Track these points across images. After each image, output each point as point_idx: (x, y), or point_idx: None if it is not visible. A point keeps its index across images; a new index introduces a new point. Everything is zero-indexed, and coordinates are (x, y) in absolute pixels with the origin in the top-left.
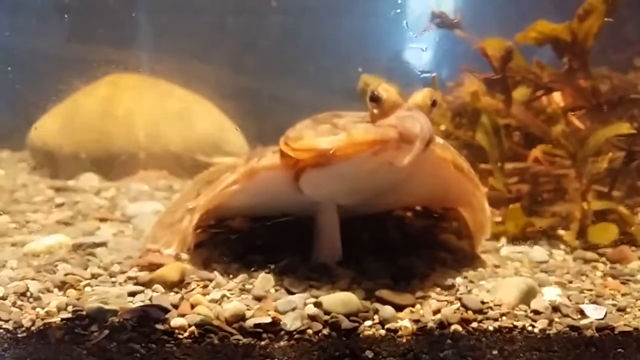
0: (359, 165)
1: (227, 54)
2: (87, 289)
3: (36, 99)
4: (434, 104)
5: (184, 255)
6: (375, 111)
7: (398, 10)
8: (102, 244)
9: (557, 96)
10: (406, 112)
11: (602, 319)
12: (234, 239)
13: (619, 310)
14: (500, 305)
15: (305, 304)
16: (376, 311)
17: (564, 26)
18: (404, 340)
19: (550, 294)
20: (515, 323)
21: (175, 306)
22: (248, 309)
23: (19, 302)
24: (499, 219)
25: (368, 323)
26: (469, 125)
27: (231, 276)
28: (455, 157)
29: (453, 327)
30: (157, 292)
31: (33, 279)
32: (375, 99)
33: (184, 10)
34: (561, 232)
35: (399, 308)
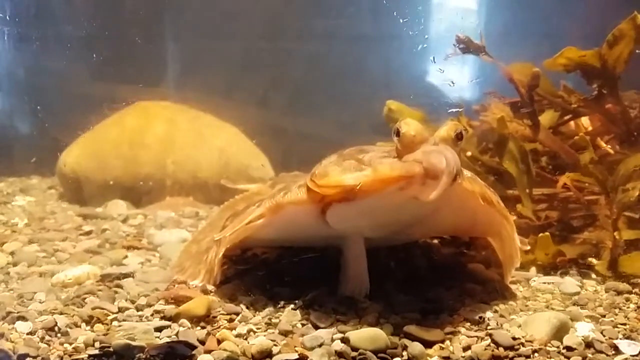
0: (385, 200)
1: (253, 87)
2: (115, 323)
3: (66, 126)
4: (460, 137)
5: (210, 287)
6: (399, 146)
7: (425, 45)
8: (129, 275)
9: (585, 121)
10: (432, 146)
11: (637, 355)
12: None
13: None
14: (532, 342)
15: (333, 340)
16: (405, 347)
17: (593, 52)
18: None
19: (583, 329)
20: None
21: (202, 342)
22: (275, 345)
23: (47, 337)
24: (528, 247)
25: None
26: (496, 150)
27: (257, 310)
28: (484, 190)
29: None
30: (183, 326)
31: (61, 313)
32: (399, 134)
33: (208, 45)
34: (592, 260)
35: (428, 344)
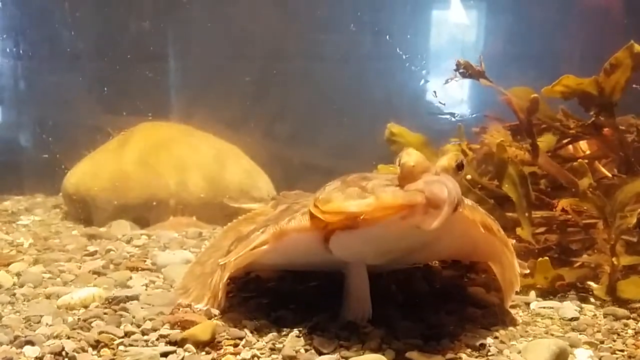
0: (387, 228)
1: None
2: (121, 347)
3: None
4: (460, 166)
5: (215, 311)
6: (401, 175)
7: (426, 80)
8: (134, 298)
9: (583, 144)
10: (434, 176)
11: None
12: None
13: None
14: None
15: None
16: None
17: (591, 80)
18: None
19: (582, 356)
20: None
21: None
22: None
23: None
24: (527, 271)
25: None
26: (496, 174)
27: (261, 335)
28: (484, 218)
29: None
30: (189, 351)
31: (68, 338)
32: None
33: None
34: (591, 284)
35: None
